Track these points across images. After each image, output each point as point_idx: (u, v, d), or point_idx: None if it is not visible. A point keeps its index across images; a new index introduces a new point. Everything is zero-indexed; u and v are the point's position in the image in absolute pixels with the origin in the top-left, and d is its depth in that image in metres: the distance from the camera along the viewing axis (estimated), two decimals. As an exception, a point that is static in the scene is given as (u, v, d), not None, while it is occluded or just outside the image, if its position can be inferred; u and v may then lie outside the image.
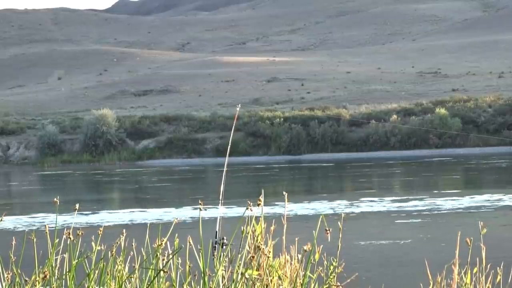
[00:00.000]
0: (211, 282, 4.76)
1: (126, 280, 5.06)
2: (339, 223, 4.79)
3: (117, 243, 5.19)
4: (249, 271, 4.87)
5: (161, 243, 4.92)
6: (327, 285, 4.89)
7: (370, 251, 19.39)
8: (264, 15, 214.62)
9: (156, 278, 4.84)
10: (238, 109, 6.53)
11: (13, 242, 5.21)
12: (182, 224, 23.82)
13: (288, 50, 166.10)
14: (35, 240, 5.03)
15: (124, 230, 5.28)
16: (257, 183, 44.35)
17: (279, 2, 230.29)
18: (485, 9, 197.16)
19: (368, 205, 29.68)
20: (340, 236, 4.90)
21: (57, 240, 4.98)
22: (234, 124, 7.04)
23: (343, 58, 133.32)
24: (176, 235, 5.14)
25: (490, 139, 66.42)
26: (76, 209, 5.58)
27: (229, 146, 6.40)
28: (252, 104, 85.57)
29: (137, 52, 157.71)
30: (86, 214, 28.55)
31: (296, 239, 5.05)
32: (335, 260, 4.88)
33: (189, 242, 4.88)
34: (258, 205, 4.84)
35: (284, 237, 5.04)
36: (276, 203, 27.98)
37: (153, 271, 4.89)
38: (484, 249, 5.10)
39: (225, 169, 5.63)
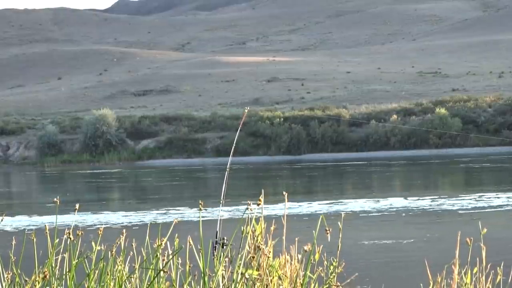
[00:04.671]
0: (211, 282, 4.76)
1: (126, 280, 5.06)
2: (339, 223, 4.79)
3: (117, 243, 5.19)
4: (249, 271, 4.87)
5: (161, 243, 4.92)
6: (327, 285, 4.89)
7: (373, 250, 19.40)
8: (264, 15, 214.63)
9: (156, 278, 4.84)
10: (246, 111, 6.51)
11: (13, 242, 5.22)
12: (182, 224, 23.82)
13: (288, 50, 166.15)
14: (35, 240, 5.03)
15: (124, 230, 5.28)
16: (257, 183, 44.34)
17: (279, 2, 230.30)
18: (485, 9, 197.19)
19: (369, 204, 29.67)
20: (340, 236, 4.90)
21: (57, 240, 4.98)
22: (239, 128, 7.01)
23: (343, 58, 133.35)
24: (176, 235, 5.14)
25: (490, 139, 66.41)
26: (76, 209, 5.58)
27: (232, 149, 6.40)
28: (252, 104, 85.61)
29: (137, 52, 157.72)
30: (86, 214, 28.54)
31: (296, 239, 5.05)
32: (335, 260, 4.88)
33: (189, 242, 4.88)
34: (258, 205, 4.84)
35: (284, 237, 5.04)
36: (276, 203, 27.97)
37: (153, 271, 4.89)
38: (484, 249, 5.10)
39: (227, 170, 5.62)
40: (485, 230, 5.16)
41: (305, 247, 4.87)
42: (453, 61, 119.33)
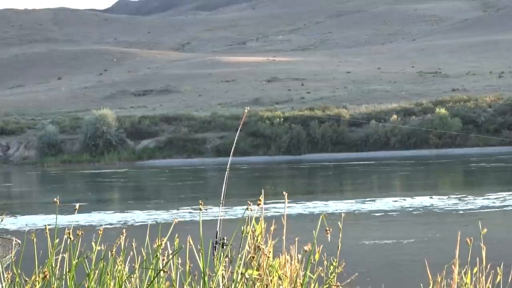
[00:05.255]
0: (211, 282, 4.76)
1: (126, 280, 5.06)
2: (339, 223, 4.79)
3: (117, 243, 5.19)
4: (249, 271, 4.87)
5: (161, 243, 4.92)
6: (327, 285, 4.89)
7: (373, 250, 19.40)
8: (264, 15, 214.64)
9: (156, 278, 4.84)
10: (246, 111, 6.51)
11: (14, 242, 5.21)
12: (182, 224, 23.83)
13: (288, 50, 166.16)
14: (35, 240, 5.03)
15: (124, 230, 5.28)
16: (257, 183, 44.33)
17: (279, 2, 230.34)
18: (485, 9, 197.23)
19: (370, 204, 29.67)
20: (340, 236, 4.90)
21: (57, 240, 4.98)
22: (239, 127, 7.02)
23: (343, 58, 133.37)
24: (176, 235, 5.15)
25: (490, 139, 66.43)
26: (76, 209, 5.58)
27: (232, 149, 6.39)
28: (252, 104, 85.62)
29: (137, 52, 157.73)
30: (86, 214, 28.54)
31: (296, 239, 5.05)
32: (335, 260, 4.88)
33: (189, 242, 4.88)
34: (258, 205, 4.84)
35: (284, 237, 5.04)
36: (276, 203, 27.97)
37: (153, 271, 4.89)
38: (484, 249, 5.10)
39: (227, 170, 5.62)
40: (485, 230, 5.16)
41: (305, 247, 4.87)
42: (453, 61, 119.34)
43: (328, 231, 4.84)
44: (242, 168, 55.89)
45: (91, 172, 63.25)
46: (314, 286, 4.98)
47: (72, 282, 4.91)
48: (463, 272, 5.02)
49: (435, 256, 16.26)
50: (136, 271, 5.03)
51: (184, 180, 52.60)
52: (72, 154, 76.19)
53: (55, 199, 5.40)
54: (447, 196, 31.68)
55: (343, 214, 5.10)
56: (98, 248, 5.05)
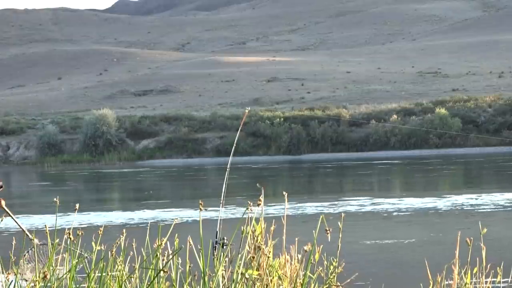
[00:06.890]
0: (211, 282, 4.76)
1: (126, 280, 5.06)
2: (339, 223, 4.79)
3: (117, 243, 5.19)
4: (249, 271, 4.87)
5: (161, 243, 4.92)
6: (327, 285, 4.89)
7: (374, 250, 19.39)
8: (264, 15, 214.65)
9: (156, 278, 4.84)
10: (247, 111, 6.53)
11: (13, 242, 5.21)
12: (182, 224, 23.83)
13: (288, 50, 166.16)
14: (35, 240, 5.03)
15: (124, 230, 5.28)
16: (257, 183, 44.27)
17: (279, 2, 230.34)
18: (485, 9, 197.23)
19: (371, 205, 29.66)
20: (340, 236, 4.90)
21: (57, 240, 4.98)
22: (240, 127, 7.04)
23: (343, 58, 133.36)
24: (176, 235, 5.15)
25: (490, 139, 66.44)
26: (76, 209, 5.58)
27: (233, 148, 6.40)
28: (252, 104, 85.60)
29: (137, 52, 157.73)
30: (86, 214, 28.54)
31: (296, 239, 5.05)
32: (335, 260, 4.88)
33: (189, 242, 4.88)
34: (258, 205, 4.85)
35: (284, 237, 5.04)
36: (276, 203, 27.97)
37: (153, 271, 4.89)
38: (484, 249, 5.10)
39: (227, 171, 5.62)
40: (485, 230, 5.16)
41: (305, 247, 4.87)
42: (453, 61, 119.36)
43: (328, 231, 4.84)
44: (243, 168, 55.89)
45: (91, 172, 63.25)
46: (314, 286, 4.98)
47: (72, 282, 4.91)
48: (463, 272, 5.02)
49: (435, 256, 16.26)
50: (136, 271, 5.03)
51: (184, 180, 52.60)
52: (72, 154, 76.22)
53: (55, 199, 5.40)
54: (447, 196, 31.68)
55: (343, 214, 5.10)
56: (98, 248, 5.05)
